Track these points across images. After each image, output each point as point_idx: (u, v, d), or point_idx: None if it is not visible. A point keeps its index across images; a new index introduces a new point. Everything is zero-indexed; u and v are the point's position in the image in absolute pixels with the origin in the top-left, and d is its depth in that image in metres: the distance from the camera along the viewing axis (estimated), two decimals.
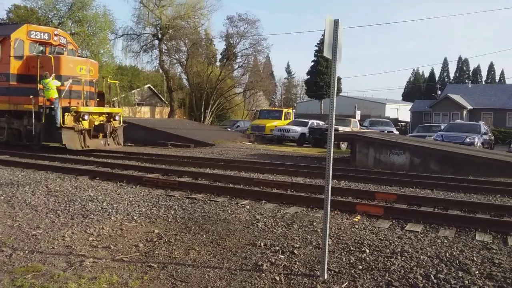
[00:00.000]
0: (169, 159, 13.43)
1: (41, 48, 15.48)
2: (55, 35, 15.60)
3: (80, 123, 14.08)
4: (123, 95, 42.01)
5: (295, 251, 4.84)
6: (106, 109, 15.52)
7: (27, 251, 4.71)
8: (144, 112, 42.35)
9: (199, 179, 9.68)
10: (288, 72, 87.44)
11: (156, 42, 38.80)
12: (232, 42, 42.59)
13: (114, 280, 4.00)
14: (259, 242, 5.13)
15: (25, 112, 14.46)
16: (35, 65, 14.24)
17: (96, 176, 9.50)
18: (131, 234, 5.44)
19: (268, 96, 60.91)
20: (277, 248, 4.95)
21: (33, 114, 13.92)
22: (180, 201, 7.29)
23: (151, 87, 49.06)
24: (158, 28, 38.09)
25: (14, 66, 14.51)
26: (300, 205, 7.07)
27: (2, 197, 7.23)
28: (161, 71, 43.03)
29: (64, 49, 16.03)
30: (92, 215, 6.25)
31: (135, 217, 6.18)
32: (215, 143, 19.70)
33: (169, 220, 6.10)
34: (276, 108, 38.40)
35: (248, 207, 6.94)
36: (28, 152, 13.85)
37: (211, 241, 5.19)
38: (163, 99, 49.46)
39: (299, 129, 25.07)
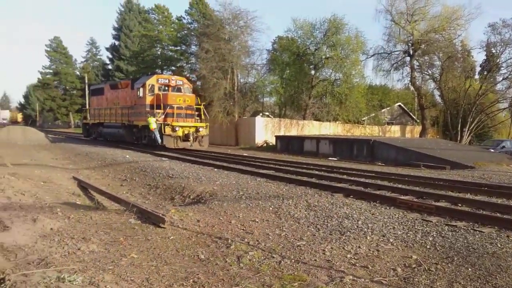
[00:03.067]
0: (423, 180, 12.74)
1: (166, 88, 23.68)
2: (172, 79, 24.30)
3: (175, 132, 21.72)
4: (373, 114, 42.60)
5: None
6: (191, 124, 22.93)
7: (293, 260, 5.19)
8: (394, 131, 41.74)
9: (459, 205, 8.84)
10: None
11: (407, 59, 37.88)
12: (494, 51, 37.98)
13: None
14: None
15: None
16: (160, 98, 22.52)
17: (350, 194, 9.81)
18: (387, 256, 5.36)
19: None
20: None
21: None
22: (438, 227, 6.80)
23: (401, 105, 48.11)
24: (409, 44, 37.18)
25: (148, 100, 22.97)
26: None
27: (271, 208, 8.24)
28: (412, 88, 41.69)
29: (182, 88, 24.17)
30: (348, 232, 6.45)
31: (390, 240, 6.08)
32: (475, 166, 17.74)
33: (427, 247, 5.75)
34: None
35: None
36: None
37: (478, 276, 4.63)
38: (414, 117, 47.78)
39: None
